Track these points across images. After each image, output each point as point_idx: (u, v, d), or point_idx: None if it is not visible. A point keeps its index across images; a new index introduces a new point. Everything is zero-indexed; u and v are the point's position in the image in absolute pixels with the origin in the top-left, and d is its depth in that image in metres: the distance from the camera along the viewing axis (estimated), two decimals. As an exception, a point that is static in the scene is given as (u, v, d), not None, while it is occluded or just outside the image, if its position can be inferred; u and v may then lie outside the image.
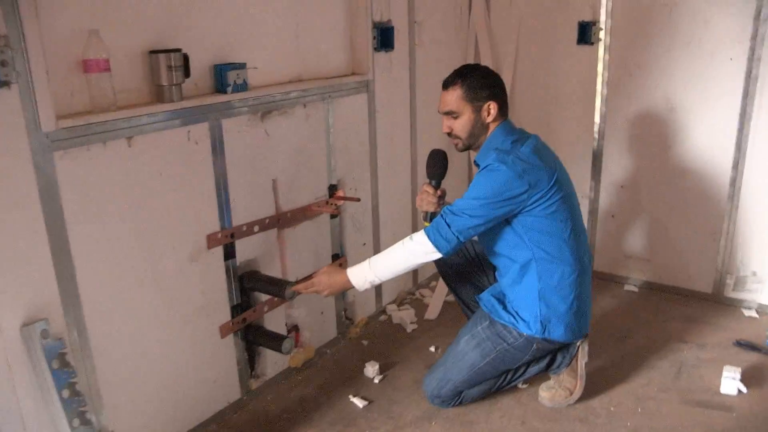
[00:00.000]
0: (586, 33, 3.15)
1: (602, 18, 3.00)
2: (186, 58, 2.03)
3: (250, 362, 2.50)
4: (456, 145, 2.27)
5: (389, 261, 2.18)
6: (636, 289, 3.33)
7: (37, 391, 1.78)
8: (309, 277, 2.30)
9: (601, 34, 3.01)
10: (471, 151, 2.32)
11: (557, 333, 2.23)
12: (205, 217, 2.19)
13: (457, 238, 2.07)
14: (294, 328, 2.68)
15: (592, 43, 3.15)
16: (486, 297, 2.35)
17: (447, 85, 2.21)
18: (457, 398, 2.36)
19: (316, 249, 2.70)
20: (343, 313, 2.92)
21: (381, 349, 2.84)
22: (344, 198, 2.70)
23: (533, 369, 2.39)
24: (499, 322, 2.26)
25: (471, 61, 3.45)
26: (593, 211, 3.36)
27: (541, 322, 2.20)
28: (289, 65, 2.50)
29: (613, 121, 3.20)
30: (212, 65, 2.18)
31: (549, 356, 2.37)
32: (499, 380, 2.38)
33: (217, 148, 2.19)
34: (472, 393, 2.37)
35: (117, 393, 2.01)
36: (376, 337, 2.95)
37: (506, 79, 3.44)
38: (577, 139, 3.35)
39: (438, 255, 2.10)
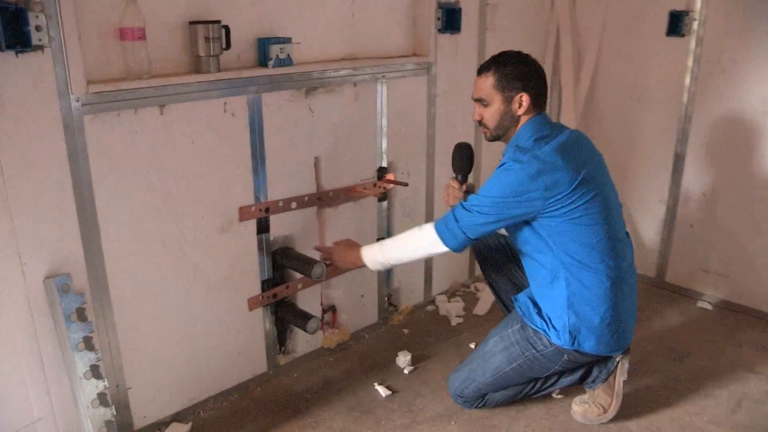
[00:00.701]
0: (677, 23, 2.85)
1: (697, 6, 2.72)
2: (226, 29, 2.05)
3: (280, 338, 2.51)
4: (485, 134, 2.15)
5: (398, 246, 2.14)
6: (710, 307, 3.03)
7: (56, 340, 1.88)
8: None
9: (694, 25, 2.72)
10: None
11: (588, 345, 2.06)
12: (239, 189, 2.21)
13: (465, 234, 1.98)
14: (331, 309, 2.67)
15: (683, 35, 2.86)
16: (522, 299, 2.21)
17: (481, 70, 2.09)
18: (480, 400, 2.25)
19: (360, 231, 2.65)
20: (386, 298, 2.86)
21: (420, 339, 2.76)
22: (392, 181, 2.64)
23: (565, 380, 2.24)
24: (531, 327, 2.12)
25: (550, 52, 3.25)
26: (670, 219, 3.10)
27: (570, 332, 2.04)
28: (343, 43, 2.45)
29: (698, 122, 2.91)
30: (256, 38, 2.18)
31: (583, 369, 2.20)
32: (526, 387, 2.24)
33: (256, 121, 2.20)
34: (497, 397, 2.25)
35: (136, 352, 2.08)
36: (418, 326, 2.87)
37: (587, 72, 3.22)
38: (657, 140, 3.09)
39: (444, 248, 2.03)
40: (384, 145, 2.64)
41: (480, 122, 2.13)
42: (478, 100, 2.10)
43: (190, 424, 2.21)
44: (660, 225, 3.14)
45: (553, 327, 2.07)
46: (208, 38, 2.00)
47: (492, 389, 2.23)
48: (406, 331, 2.83)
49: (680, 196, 3.04)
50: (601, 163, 2.10)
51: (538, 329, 2.09)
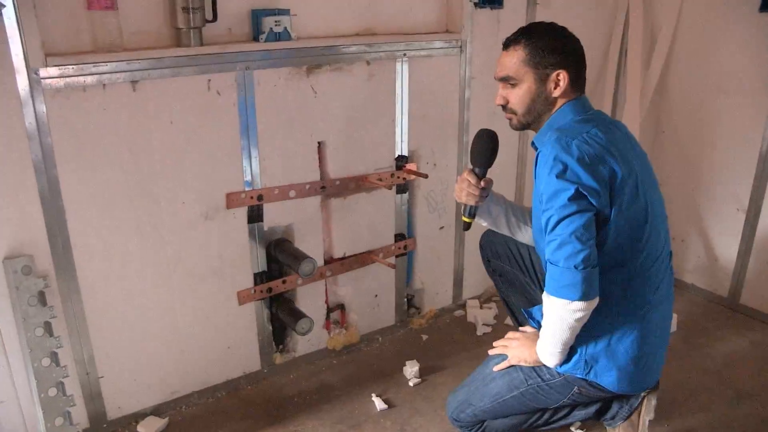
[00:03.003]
0: (774, -5, 2.36)
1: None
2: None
3: (278, 335, 2.35)
4: (510, 120, 1.79)
5: (554, 333, 1.67)
6: (791, 340, 2.53)
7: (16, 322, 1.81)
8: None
9: (796, -2, 2.23)
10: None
11: (607, 379, 1.72)
12: (226, 174, 2.05)
13: (576, 267, 1.52)
14: (339, 308, 2.46)
15: (782, 10, 2.37)
16: (537, 315, 1.89)
17: (508, 44, 1.74)
18: (478, 426, 1.97)
19: (373, 226, 2.42)
20: (405, 300, 2.62)
21: (438, 348, 2.50)
22: (411, 172, 2.37)
23: (578, 414, 1.91)
24: (538, 351, 1.81)
25: (618, 31, 2.82)
26: (749, 231, 2.63)
27: (585, 360, 1.71)
28: (357, 16, 2.21)
29: (791, 117, 2.41)
30: (250, 10, 1.99)
31: (599, 403, 1.86)
32: (531, 418, 1.94)
33: (247, 101, 2.02)
34: (496, 425, 1.96)
35: (109, 340, 1.98)
36: (439, 333, 2.61)
37: (661, 54, 2.77)
38: (740, 138, 2.62)
39: (578, 306, 1.55)
40: (405, 131, 2.38)
41: (504, 107, 1.80)
42: (504, 79, 1.76)
43: (167, 418, 2.11)
44: (737, 237, 2.68)
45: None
46: (187, 8, 1.84)
47: (490, 417, 1.94)
48: (425, 337, 2.58)
49: (763, 205, 2.57)
50: (648, 164, 1.73)
51: (546, 355, 1.78)
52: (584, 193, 1.53)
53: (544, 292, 1.61)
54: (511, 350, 1.83)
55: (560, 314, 1.59)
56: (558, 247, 1.54)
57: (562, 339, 1.65)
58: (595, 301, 1.57)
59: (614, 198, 1.57)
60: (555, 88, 1.68)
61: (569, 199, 1.52)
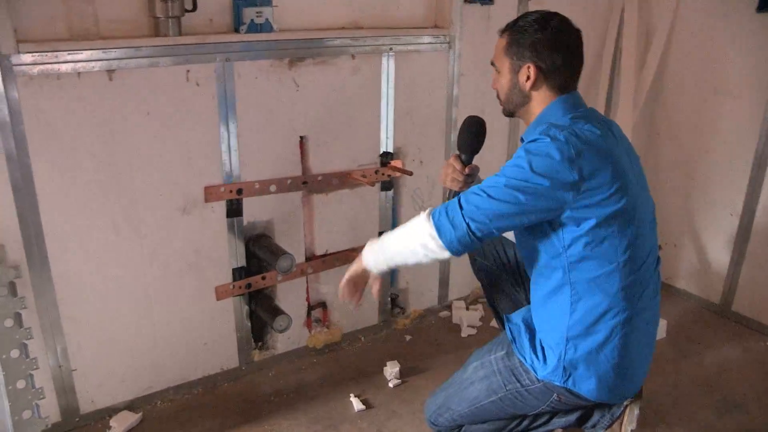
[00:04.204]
0: (772, -5, 2.31)
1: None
2: (190, -12, 1.85)
3: (257, 332, 2.31)
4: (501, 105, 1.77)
5: (395, 241, 1.67)
6: (783, 348, 2.48)
7: (-14, 313, 1.78)
8: None
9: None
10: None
11: (586, 387, 1.67)
12: (204, 167, 2.01)
13: (468, 226, 1.52)
14: (320, 306, 2.43)
15: (780, 11, 2.32)
16: (516, 320, 1.83)
17: (501, 32, 1.71)
18: (456, 431, 1.93)
19: (357, 223, 2.38)
20: (389, 299, 2.58)
21: (421, 348, 2.46)
22: (396, 169, 2.34)
23: (559, 421, 1.85)
24: (518, 356, 1.76)
25: (613, 29, 2.77)
26: (742, 236, 2.58)
27: (564, 367, 1.66)
28: (343, 9, 2.18)
29: (788, 119, 2.36)
30: (232, 0, 1.96)
31: (581, 411, 1.82)
32: (511, 424, 1.88)
33: (226, 93, 1.98)
34: (474, 430, 1.91)
35: (82, 333, 1.95)
36: (423, 333, 2.57)
37: (656, 54, 2.72)
38: (735, 141, 2.56)
39: (438, 243, 1.55)
40: (390, 127, 2.34)
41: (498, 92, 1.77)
42: (492, 64, 1.74)
43: (141, 414, 2.07)
44: (730, 242, 2.62)
45: (543, 357, 1.70)
46: (164, -3, 1.81)
47: (468, 421, 1.89)
48: (408, 337, 2.54)
49: (757, 210, 2.51)
50: (639, 167, 1.68)
51: (524, 360, 1.74)
52: (557, 183, 1.48)
53: (430, 210, 1.55)
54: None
55: (422, 239, 1.56)
56: (478, 193, 1.51)
57: (398, 252, 1.63)
58: (447, 258, 1.58)
59: (593, 196, 1.53)
60: (526, 81, 1.64)
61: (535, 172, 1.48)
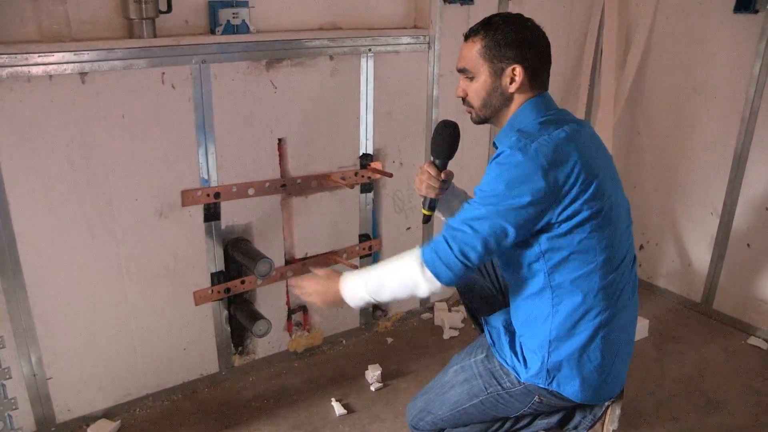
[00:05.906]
0: (748, -4, 2.32)
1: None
2: (164, -11, 1.82)
3: (236, 337, 2.29)
4: (470, 114, 1.74)
5: (384, 281, 1.64)
6: (764, 345, 2.49)
7: (-44, 322, 1.75)
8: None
9: (770, -1, 2.19)
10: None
11: (570, 389, 1.66)
12: (181, 171, 1.98)
13: (464, 264, 1.51)
14: (301, 309, 2.41)
15: (756, 11, 2.32)
16: (495, 323, 1.82)
17: (468, 35, 1.67)
18: (438, 435, 1.92)
19: (337, 226, 2.36)
20: (371, 301, 2.56)
21: (403, 351, 2.45)
22: (375, 171, 2.32)
23: (541, 423, 1.84)
24: (498, 359, 1.75)
25: (593, 30, 2.77)
26: (723, 235, 2.59)
27: (548, 369, 1.65)
28: (322, 10, 2.16)
29: (767, 119, 2.37)
30: (207, 1, 1.93)
31: (562, 412, 1.81)
32: (492, 427, 1.87)
33: (203, 95, 1.96)
34: (456, 434, 1.90)
35: (58, 341, 1.92)
36: (405, 336, 2.56)
37: (636, 55, 2.73)
38: (715, 141, 2.57)
39: (437, 285, 1.54)
40: (370, 129, 2.33)
41: (464, 99, 1.74)
42: (462, 71, 1.70)
43: (119, 421, 2.04)
44: (710, 242, 2.64)
45: (524, 360, 1.69)
46: (138, -2, 1.78)
47: (450, 425, 1.87)
48: (390, 340, 2.52)
49: (737, 209, 2.52)
50: (613, 167, 1.67)
51: (505, 363, 1.73)
52: (536, 196, 1.48)
53: (419, 257, 1.52)
54: (308, 286, 1.69)
55: (415, 279, 1.53)
56: (469, 221, 1.49)
57: (384, 291, 1.60)
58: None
59: (570, 201, 1.52)
60: (511, 83, 1.62)
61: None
